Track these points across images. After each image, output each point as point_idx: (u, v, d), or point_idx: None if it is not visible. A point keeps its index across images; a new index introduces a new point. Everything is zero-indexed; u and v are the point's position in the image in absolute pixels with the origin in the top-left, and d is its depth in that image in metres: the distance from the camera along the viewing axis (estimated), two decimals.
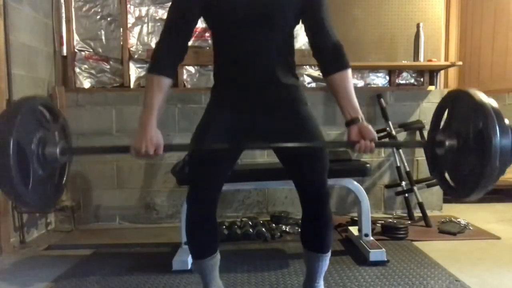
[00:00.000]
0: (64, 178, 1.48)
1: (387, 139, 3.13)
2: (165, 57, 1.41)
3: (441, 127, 1.44)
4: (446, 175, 1.44)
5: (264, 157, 3.02)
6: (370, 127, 1.38)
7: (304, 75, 3.28)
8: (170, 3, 1.46)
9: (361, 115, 1.40)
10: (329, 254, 1.55)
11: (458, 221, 2.89)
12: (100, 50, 3.19)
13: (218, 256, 1.55)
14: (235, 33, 1.40)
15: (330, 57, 1.42)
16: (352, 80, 1.43)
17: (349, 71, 1.42)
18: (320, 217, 1.49)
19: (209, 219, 1.49)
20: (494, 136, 1.19)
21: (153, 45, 3.18)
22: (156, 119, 1.37)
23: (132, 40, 3.19)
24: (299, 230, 2.70)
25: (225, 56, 1.46)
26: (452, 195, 1.46)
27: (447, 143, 1.35)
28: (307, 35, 1.46)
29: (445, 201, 3.39)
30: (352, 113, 1.40)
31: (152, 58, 1.42)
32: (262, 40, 1.39)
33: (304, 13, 1.42)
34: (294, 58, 1.51)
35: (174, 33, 1.42)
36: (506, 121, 1.23)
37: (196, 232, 1.49)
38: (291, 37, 1.47)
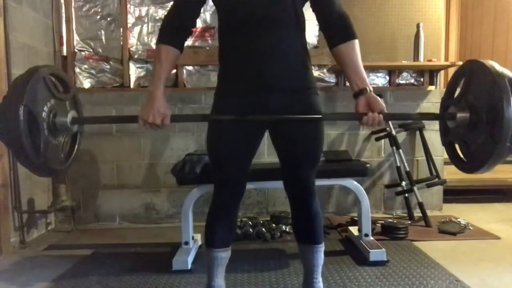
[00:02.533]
0: (76, 147, 1.53)
1: (387, 139, 3.14)
2: (173, 28, 1.46)
3: (455, 97, 1.43)
4: (458, 149, 1.43)
5: (264, 157, 3.02)
6: (378, 98, 1.38)
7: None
8: None
9: (369, 86, 1.40)
10: (323, 246, 1.58)
11: (458, 221, 2.89)
12: (100, 50, 3.19)
13: (229, 252, 1.59)
14: (242, 21, 1.40)
15: (336, 28, 1.43)
16: (359, 52, 1.42)
17: (356, 41, 1.42)
18: (307, 211, 1.53)
19: (232, 209, 1.55)
20: (508, 111, 1.17)
21: (153, 45, 3.18)
22: (163, 89, 1.41)
23: (132, 40, 3.19)
24: None
25: (231, 45, 1.45)
26: (461, 168, 1.44)
27: (458, 115, 1.34)
28: (313, 8, 1.46)
29: (445, 201, 3.39)
30: (360, 83, 1.40)
31: (161, 29, 1.47)
32: (272, 31, 1.39)
33: None
34: (305, 34, 1.49)
35: (183, 5, 1.46)
36: None
37: (218, 218, 1.54)
38: (301, 17, 1.45)
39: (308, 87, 1.48)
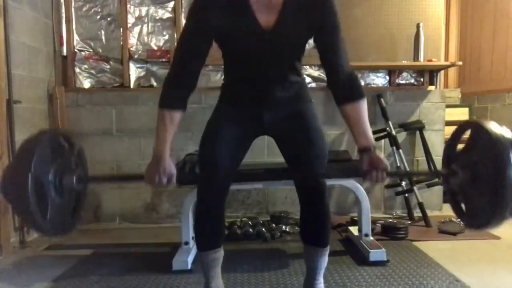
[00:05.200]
0: (81, 204, 1.53)
1: (387, 139, 3.14)
2: (176, 91, 1.42)
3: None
4: (462, 204, 1.45)
5: (264, 157, 3.02)
6: (382, 156, 1.40)
7: (304, 75, 3.28)
8: (181, 30, 1.45)
9: (373, 144, 1.42)
10: (328, 249, 1.58)
11: (458, 221, 2.88)
12: (100, 50, 3.19)
13: (221, 251, 1.58)
14: (244, 61, 1.44)
15: (344, 88, 1.43)
16: (366, 111, 1.43)
17: (364, 100, 1.43)
18: (318, 211, 1.53)
19: (217, 213, 1.53)
20: (508, 173, 1.18)
21: (153, 45, 3.19)
22: (169, 150, 1.41)
23: (132, 40, 3.19)
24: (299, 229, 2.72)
25: (232, 73, 1.52)
26: (461, 219, 1.48)
27: (460, 174, 1.36)
28: (321, 62, 1.46)
29: (445, 201, 3.39)
30: (365, 142, 1.41)
31: (163, 92, 1.43)
32: (272, 69, 1.44)
33: (318, 40, 1.42)
34: (302, 56, 1.52)
35: (184, 66, 1.42)
36: None
37: (203, 223, 1.53)
38: (302, 51, 1.49)
39: (301, 98, 1.55)
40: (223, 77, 1.59)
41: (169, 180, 1.39)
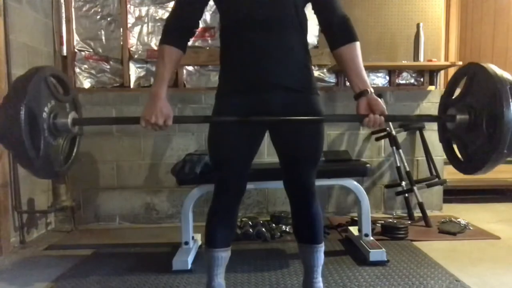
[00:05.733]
0: (75, 149, 1.52)
1: (387, 139, 3.14)
2: (176, 29, 1.45)
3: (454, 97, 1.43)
4: (456, 148, 1.43)
5: (264, 157, 3.02)
6: (379, 100, 1.39)
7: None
8: None
9: (370, 88, 1.41)
10: (323, 245, 1.59)
11: (458, 221, 2.89)
12: (100, 50, 3.19)
13: (229, 252, 1.59)
14: (245, 20, 1.41)
15: (338, 30, 1.43)
16: (360, 54, 1.43)
17: (357, 44, 1.43)
18: (308, 209, 1.54)
19: (232, 210, 1.55)
20: (508, 119, 1.17)
21: (153, 45, 3.18)
22: (166, 89, 1.41)
23: (132, 40, 3.19)
24: None
25: (232, 46, 1.46)
26: (457, 167, 1.44)
27: (458, 117, 1.34)
28: (314, 10, 1.46)
29: (445, 201, 3.39)
30: (361, 85, 1.41)
31: (164, 30, 1.46)
32: (274, 33, 1.40)
33: None
34: (306, 37, 1.50)
35: (186, 6, 1.46)
36: None
37: (217, 219, 1.55)
38: (304, 20, 1.46)
39: (309, 87, 1.48)
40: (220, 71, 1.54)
41: (165, 120, 1.37)
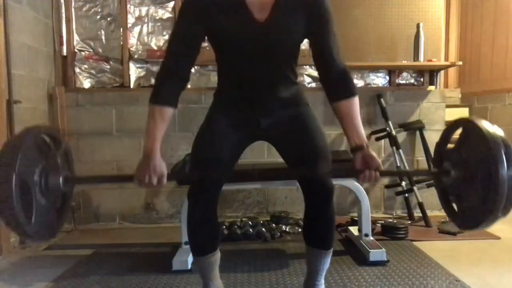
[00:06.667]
0: (67, 207, 1.47)
1: (387, 139, 3.14)
2: (167, 87, 1.39)
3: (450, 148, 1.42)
4: (453, 203, 1.43)
5: (264, 157, 3.02)
6: (374, 155, 1.38)
7: (304, 75, 3.28)
8: (173, 27, 1.44)
9: (366, 142, 1.39)
10: (331, 251, 1.56)
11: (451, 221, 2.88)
12: (100, 50, 3.19)
13: (218, 254, 1.56)
14: (238, 60, 1.42)
15: (336, 84, 1.42)
16: (358, 107, 1.41)
17: (356, 98, 1.41)
18: (324, 214, 1.50)
19: (210, 216, 1.50)
20: (502, 181, 1.16)
21: (153, 45, 3.19)
22: (160, 148, 1.37)
23: (132, 40, 3.19)
24: (299, 230, 2.73)
25: (227, 76, 1.50)
26: (454, 222, 1.44)
27: (453, 173, 1.34)
28: (314, 59, 1.45)
29: None
30: (357, 140, 1.39)
31: (154, 87, 1.40)
32: (267, 69, 1.42)
33: (310, 36, 1.41)
34: (297, 60, 1.51)
35: (175, 61, 1.40)
36: None
37: (197, 228, 1.50)
38: (296, 52, 1.48)
39: (299, 102, 1.54)
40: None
41: (159, 180, 1.32)
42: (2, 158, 1.19)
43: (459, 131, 1.39)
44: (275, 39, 1.37)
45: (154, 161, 1.33)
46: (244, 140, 1.54)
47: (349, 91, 1.41)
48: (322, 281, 1.61)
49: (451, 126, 1.45)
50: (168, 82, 1.39)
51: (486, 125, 1.26)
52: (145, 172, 1.32)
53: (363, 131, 1.41)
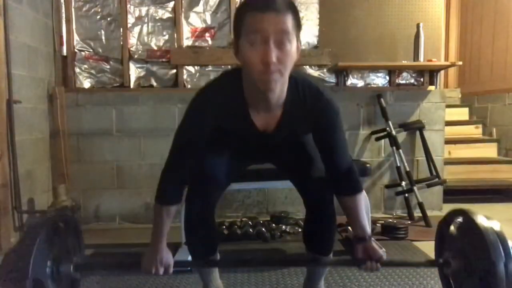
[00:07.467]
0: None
1: (387, 139, 3.14)
2: (172, 187, 1.42)
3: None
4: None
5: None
6: (377, 247, 1.42)
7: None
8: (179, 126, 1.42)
9: (368, 234, 1.43)
10: (331, 257, 1.58)
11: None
12: (100, 50, 3.19)
13: (217, 255, 1.56)
14: (240, 147, 1.50)
15: (342, 182, 1.44)
16: (363, 202, 1.46)
17: (360, 195, 1.45)
18: (324, 220, 1.52)
19: (208, 219, 1.51)
20: (500, 278, 1.19)
21: (153, 45, 3.19)
22: (165, 241, 1.43)
23: (132, 40, 3.19)
24: (299, 230, 2.72)
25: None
26: None
27: (453, 264, 1.37)
28: (320, 154, 1.46)
29: (445, 201, 3.39)
30: (360, 232, 1.43)
31: (160, 186, 1.42)
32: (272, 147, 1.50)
33: (318, 140, 1.43)
34: None
35: (181, 163, 1.41)
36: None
37: (195, 232, 1.50)
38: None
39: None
40: None
41: (166, 270, 1.42)
42: (18, 254, 1.23)
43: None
44: (280, 142, 1.45)
45: (161, 254, 1.42)
46: (248, 159, 1.64)
47: (353, 189, 1.44)
48: (322, 282, 1.63)
49: (448, 216, 1.49)
50: (173, 182, 1.42)
51: (481, 219, 1.30)
52: (151, 264, 1.41)
53: (367, 224, 1.45)
